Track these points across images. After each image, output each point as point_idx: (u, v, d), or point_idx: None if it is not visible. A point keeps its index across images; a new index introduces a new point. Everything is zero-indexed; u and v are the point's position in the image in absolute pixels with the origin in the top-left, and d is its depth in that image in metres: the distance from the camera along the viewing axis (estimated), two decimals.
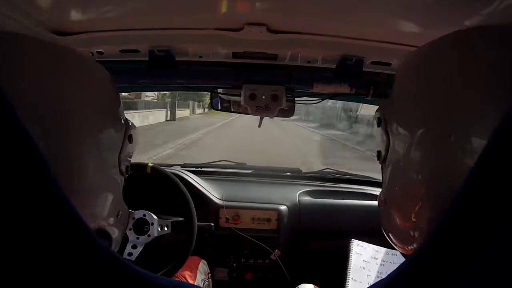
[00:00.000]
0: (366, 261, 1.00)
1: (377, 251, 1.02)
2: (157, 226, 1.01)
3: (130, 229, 0.99)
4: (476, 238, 0.21)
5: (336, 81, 0.83)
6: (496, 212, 0.20)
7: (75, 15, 0.64)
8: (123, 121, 0.38)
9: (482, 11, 0.49)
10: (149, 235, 0.99)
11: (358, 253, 1.01)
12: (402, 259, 0.29)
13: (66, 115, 0.29)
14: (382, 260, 1.00)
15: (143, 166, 1.04)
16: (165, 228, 1.02)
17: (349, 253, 1.01)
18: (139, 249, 0.98)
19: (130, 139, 0.39)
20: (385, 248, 1.02)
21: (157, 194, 1.18)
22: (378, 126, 0.37)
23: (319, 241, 1.22)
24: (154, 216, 1.01)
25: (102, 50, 0.78)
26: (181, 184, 1.05)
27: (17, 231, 0.22)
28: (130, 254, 0.96)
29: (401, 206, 0.34)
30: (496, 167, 0.21)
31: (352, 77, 0.82)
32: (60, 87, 0.29)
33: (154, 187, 1.18)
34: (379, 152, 0.38)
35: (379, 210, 0.39)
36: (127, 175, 0.40)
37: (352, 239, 1.04)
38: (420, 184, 0.30)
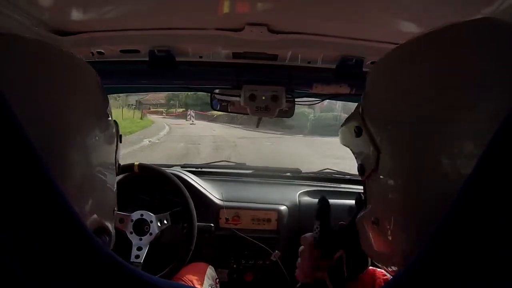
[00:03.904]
0: None
1: None
2: (157, 222, 1.01)
3: (131, 233, 0.99)
4: (475, 244, 0.20)
5: (336, 81, 0.83)
6: (496, 217, 0.20)
7: (76, 15, 0.64)
8: (111, 119, 0.38)
9: (483, 11, 0.49)
10: (151, 233, 0.99)
11: None
12: None
13: (58, 115, 0.29)
14: None
15: (130, 166, 1.04)
16: (165, 221, 1.02)
17: None
18: (145, 250, 0.97)
19: (120, 138, 0.40)
20: None
21: (150, 192, 1.17)
22: (358, 136, 0.33)
23: None
24: (151, 214, 1.01)
25: (102, 51, 0.78)
26: (170, 174, 1.05)
27: (16, 232, 0.22)
28: (137, 256, 0.96)
29: (401, 223, 0.29)
30: (496, 172, 0.20)
31: (352, 78, 0.82)
32: (51, 87, 0.29)
33: (145, 185, 1.17)
34: (361, 166, 0.33)
35: (364, 231, 0.34)
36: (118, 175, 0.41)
37: None
38: (420, 196, 0.27)
